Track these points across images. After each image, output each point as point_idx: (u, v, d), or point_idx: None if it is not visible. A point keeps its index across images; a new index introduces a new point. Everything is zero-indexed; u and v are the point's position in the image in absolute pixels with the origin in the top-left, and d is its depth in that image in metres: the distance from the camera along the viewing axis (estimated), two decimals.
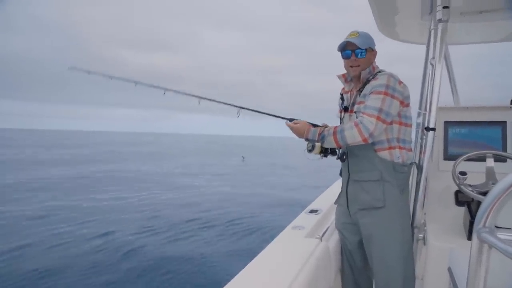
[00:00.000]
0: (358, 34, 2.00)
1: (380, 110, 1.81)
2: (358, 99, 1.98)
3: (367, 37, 2.01)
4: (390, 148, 1.93)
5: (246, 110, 2.27)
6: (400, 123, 1.94)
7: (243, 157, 39.93)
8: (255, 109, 2.25)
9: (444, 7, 2.22)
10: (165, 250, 7.93)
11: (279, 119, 2.13)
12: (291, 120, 2.07)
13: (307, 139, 1.97)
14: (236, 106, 2.27)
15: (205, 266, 6.96)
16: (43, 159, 30.31)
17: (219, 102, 2.39)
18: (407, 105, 1.95)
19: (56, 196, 13.92)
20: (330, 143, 1.90)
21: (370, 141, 1.83)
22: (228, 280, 1.45)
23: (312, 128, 1.96)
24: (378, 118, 1.80)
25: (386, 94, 1.84)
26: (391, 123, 1.90)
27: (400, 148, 1.94)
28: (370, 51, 2.01)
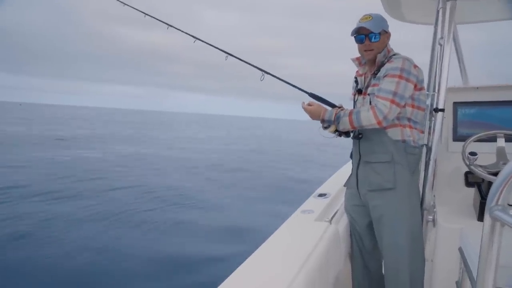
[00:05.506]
0: (371, 18, 1.96)
1: (394, 94, 1.83)
2: (373, 81, 1.98)
3: (380, 20, 1.98)
4: (400, 125, 1.94)
5: (270, 76, 2.29)
6: (413, 106, 1.94)
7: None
8: (279, 76, 2.27)
9: None
10: None
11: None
12: (311, 94, 2.10)
13: (323, 120, 1.99)
14: (261, 70, 2.30)
15: None
16: None
17: (245, 62, 2.42)
18: (421, 88, 1.96)
19: None
20: (345, 124, 1.92)
21: (384, 124, 1.84)
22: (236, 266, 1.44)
23: (329, 109, 1.99)
24: (392, 101, 1.82)
25: (400, 77, 1.85)
26: (404, 106, 1.90)
27: (410, 127, 1.95)
28: (384, 34, 1.98)
